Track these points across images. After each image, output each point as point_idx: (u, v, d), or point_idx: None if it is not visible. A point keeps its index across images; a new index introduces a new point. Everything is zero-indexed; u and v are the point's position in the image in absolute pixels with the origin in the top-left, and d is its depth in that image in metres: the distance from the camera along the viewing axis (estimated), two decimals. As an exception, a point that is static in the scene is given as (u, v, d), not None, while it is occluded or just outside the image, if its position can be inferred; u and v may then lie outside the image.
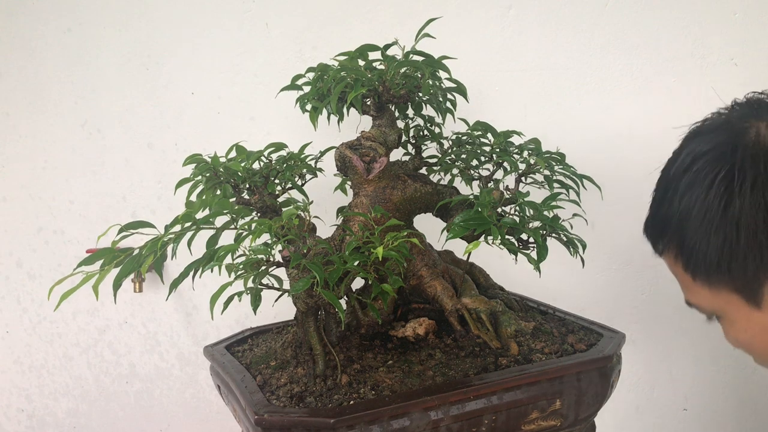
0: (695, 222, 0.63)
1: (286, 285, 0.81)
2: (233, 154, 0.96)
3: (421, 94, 0.93)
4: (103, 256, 0.77)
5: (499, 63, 1.34)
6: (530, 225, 0.81)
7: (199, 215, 0.83)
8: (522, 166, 0.91)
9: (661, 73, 1.31)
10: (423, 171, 1.02)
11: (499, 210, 0.85)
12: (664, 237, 0.69)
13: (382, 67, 0.91)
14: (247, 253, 0.76)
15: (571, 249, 0.83)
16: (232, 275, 0.75)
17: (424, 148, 1.02)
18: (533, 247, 0.81)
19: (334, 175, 0.98)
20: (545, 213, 0.82)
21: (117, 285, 0.78)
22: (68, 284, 0.76)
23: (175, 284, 0.82)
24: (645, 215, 0.77)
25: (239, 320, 1.47)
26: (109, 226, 0.85)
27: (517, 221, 0.81)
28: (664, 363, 1.43)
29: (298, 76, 0.98)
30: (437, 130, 1.02)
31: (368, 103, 0.94)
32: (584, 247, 0.83)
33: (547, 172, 0.90)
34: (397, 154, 1.01)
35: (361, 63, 0.93)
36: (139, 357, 1.60)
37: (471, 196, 0.88)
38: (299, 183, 0.97)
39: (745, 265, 0.61)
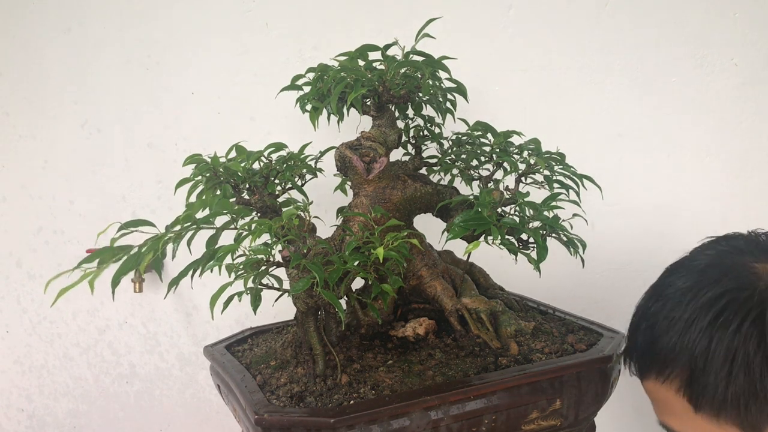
0: (716, 362, 0.66)
1: (286, 285, 0.81)
2: (233, 154, 0.96)
3: (421, 95, 0.93)
4: (102, 254, 0.77)
5: (499, 63, 1.34)
6: (530, 225, 0.81)
7: (199, 215, 0.83)
8: (522, 166, 0.91)
9: (661, 73, 1.31)
10: (423, 171, 1.02)
11: (499, 210, 0.85)
12: (666, 370, 0.72)
13: (382, 67, 0.91)
14: (247, 253, 0.76)
15: (571, 249, 0.83)
16: (232, 275, 0.75)
17: (424, 148, 1.02)
18: (533, 247, 0.81)
19: (334, 175, 0.98)
20: (545, 213, 0.82)
21: (116, 282, 0.78)
22: (66, 281, 0.76)
23: (173, 283, 0.82)
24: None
25: (239, 320, 1.47)
26: (109, 224, 0.84)
27: (517, 221, 0.81)
28: (664, 363, 1.42)
29: (298, 77, 0.98)
30: (437, 130, 1.02)
31: (368, 103, 0.94)
32: (584, 247, 0.83)
33: (547, 172, 0.90)
34: (397, 154, 1.01)
35: (361, 63, 0.93)
36: (139, 357, 1.60)
37: (471, 197, 0.88)
38: (299, 183, 0.96)
39: (763, 405, 0.65)
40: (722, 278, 0.69)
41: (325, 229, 0.93)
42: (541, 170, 0.90)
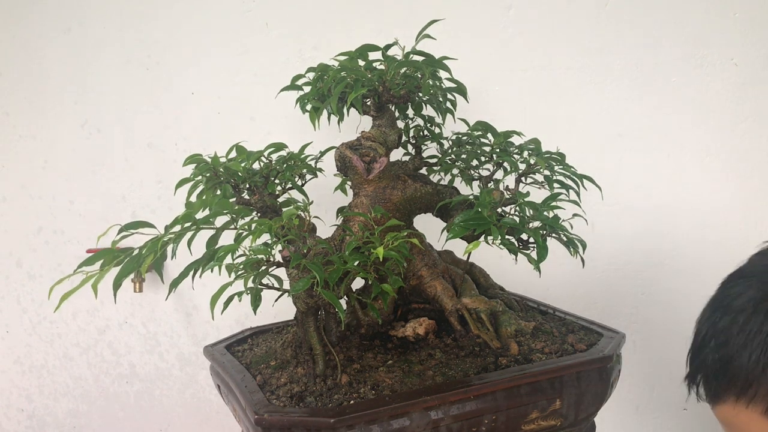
0: None
1: (286, 285, 0.81)
2: (233, 154, 0.96)
3: (421, 95, 0.93)
4: (103, 256, 0.77)
5: (499, 63, 1.34)
6: (530, 225, 0.81)
7: (199, 215, 0.83)
8: (522, 166, 0.91)
9: (661, 73, 1.31)
10: (423, 171, 1.02)
11: (499, 210, 0.85)
12: (749, 390, 0.65)
13: (382, 67, 0.91)
14: (247, 253, 0.76)
15: (571, 249, 0.83)
16: (232, 275, 0.75)
17: (424, 148, 1.02)
18: (533, 247, 0.81)
19: (334, 175, 0.98)
20: (545, 213, 0.82)
21: (117, 285, 0.78)
22: (68, 285, 0.76)
23: (174, 284, 0.82)
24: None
25: (239, 320, 1.47)
26: (109, 226, 0.85)
27: (517, 221, 0.81)
28: (664, 363, 1.43)
29: (298, 76, 0.98)
30: (437, 130, 1.02)
31: (368, 103, 0.94)
32: (584, 247, 0.83)
33: (547, 173, 0.90)
34: (397, 154, 1.01)
35: (361, 63, 0.93)
36: (139, 357, 1.60)
37: (471, 197, 0.88)
38: (299, 183, 0.97)
39: None
40: None
41: (325, 229, 0.93)
42: (541, 170, 0.90)
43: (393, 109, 0.98)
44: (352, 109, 0.93)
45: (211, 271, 0.77)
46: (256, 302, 0.76)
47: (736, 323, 0.65)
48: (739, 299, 0.67)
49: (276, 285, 0.79)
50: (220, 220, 0.86)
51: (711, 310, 0.71)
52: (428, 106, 0.98)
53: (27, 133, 1.53)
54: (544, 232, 0.81)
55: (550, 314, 1.03)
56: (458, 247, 0.92)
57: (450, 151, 1.00)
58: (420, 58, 0.92)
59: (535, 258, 0.78)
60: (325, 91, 0.92)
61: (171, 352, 1.59)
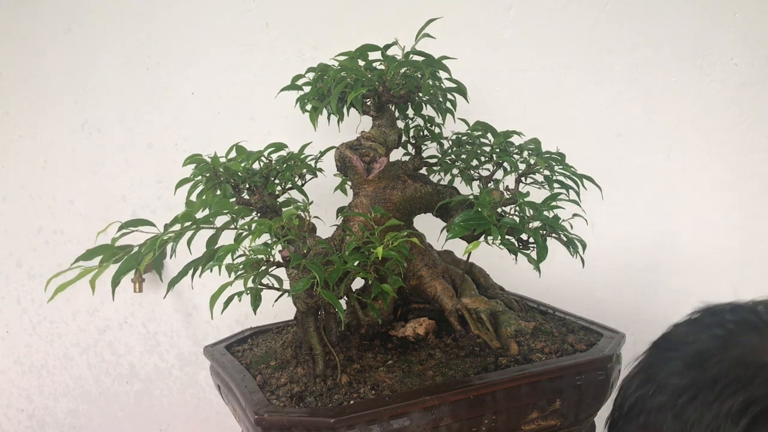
0: None
1: (286, 285, 0.81)
2: (233, 154, 0.96)
3: (421, 95, 0.93)
4: (101, 252, 0.77)
5: (499, 63, 1.34)
6: (530, 225, 0.81)
7: (199, 215, 0.83)
8: (522, 167, 0.91)
9: (661, 73, 1.31)
10: (423, 171, 1.02)
11: (499, 210, 0.85)
12: None
13: (382, 67, 0.91)
14: (247, 253, 0.76)
15: (571, 249, 0.83)
16: (232, 275, 0.75)
17: (424, 148, 1.02)
18: (533, 247, 0.81)
19: (334, 175, 0.98)
20: (545, 213, 0.82)
21: (116, 282, 0.78)
22: (66, 279, 0.76)
23: (173, 282, 0.82)
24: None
25: (239, 320, 1.47)
26: (109, 223, 0.84)
27: (517, 221, 0.81)
28: (664, 363, 1.43)
29: (298, 76, 0.98)
30: (437, 130, 1.02)
31: (368, 103, 0.94)
32: (584, 247, 0.83)
33: (547, 173, 0.90)
34: (397, 154, 1.01)
35: (361, 63, 0.93)
36: (139, 357, 1.60)
37: (471, 196, 0.88)
38: (299, 183, 0.97)
39: None
40: (749, 379, 0.53)
41: (325, 229, 0.93)
42: (541, 170, 0.90)
43: (393, 109, 0.98)
44: (352, 109, 0.93)
45: (211, 270, 0.77)
46: (256, 302, 0.76)
47: (672, 407, 0.57)
48: (675, 378, 0.59)
49: (276, 285, 0.79)
50: (220, 220, 0.86)
51: (641, 380, 0.63)
52: (428, 106, 0.98)
53: (27, 133, 1.53)
54: (544, 232, 0.81)
55: (550, 314, 1.03)
56: (458, 247, 0.92)
57: (450, 151, 1.00)
58: (420, 58, 0.92)
59: (535, 258, 0.78)
60: (325, 91, 0.92)
61: (171, 352, 1.58)
